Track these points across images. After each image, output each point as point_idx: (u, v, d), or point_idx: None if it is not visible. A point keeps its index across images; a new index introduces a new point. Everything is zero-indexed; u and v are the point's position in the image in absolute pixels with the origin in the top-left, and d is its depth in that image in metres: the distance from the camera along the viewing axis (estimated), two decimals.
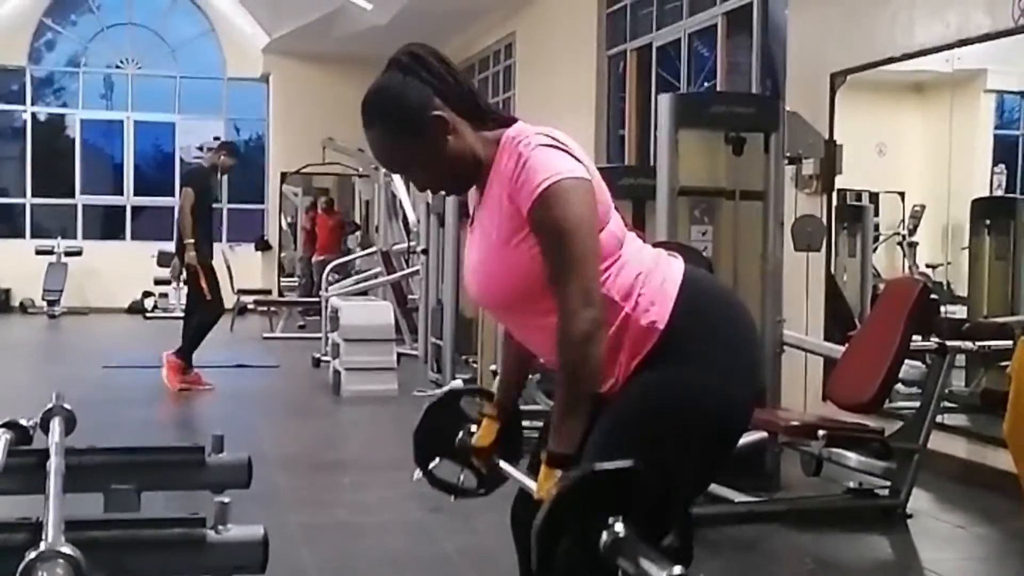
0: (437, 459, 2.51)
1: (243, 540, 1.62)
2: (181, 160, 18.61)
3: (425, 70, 2.12)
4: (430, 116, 2.10)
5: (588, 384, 2.03)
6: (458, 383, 8.13)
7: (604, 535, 1.70)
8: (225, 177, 18.23)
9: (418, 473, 2.51)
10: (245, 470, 2.19)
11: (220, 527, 1.61)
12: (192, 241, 8.53)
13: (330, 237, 15.81)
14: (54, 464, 1.79)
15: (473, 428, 2.46)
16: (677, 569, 1.56)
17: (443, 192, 2.41)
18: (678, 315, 2.11)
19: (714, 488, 4.99)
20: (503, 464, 2.37)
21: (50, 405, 2.20)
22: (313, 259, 15.57)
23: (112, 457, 2.12)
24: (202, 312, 8.75)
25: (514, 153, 2.09)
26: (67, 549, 1.24)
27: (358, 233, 16.44)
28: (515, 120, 2.18)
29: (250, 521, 1.66)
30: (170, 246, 16.69)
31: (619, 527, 1.70)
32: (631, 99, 10.74)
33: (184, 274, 8.87)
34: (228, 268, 14.13)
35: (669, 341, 2.10)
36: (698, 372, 2.12)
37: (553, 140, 2.10)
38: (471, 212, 2.26)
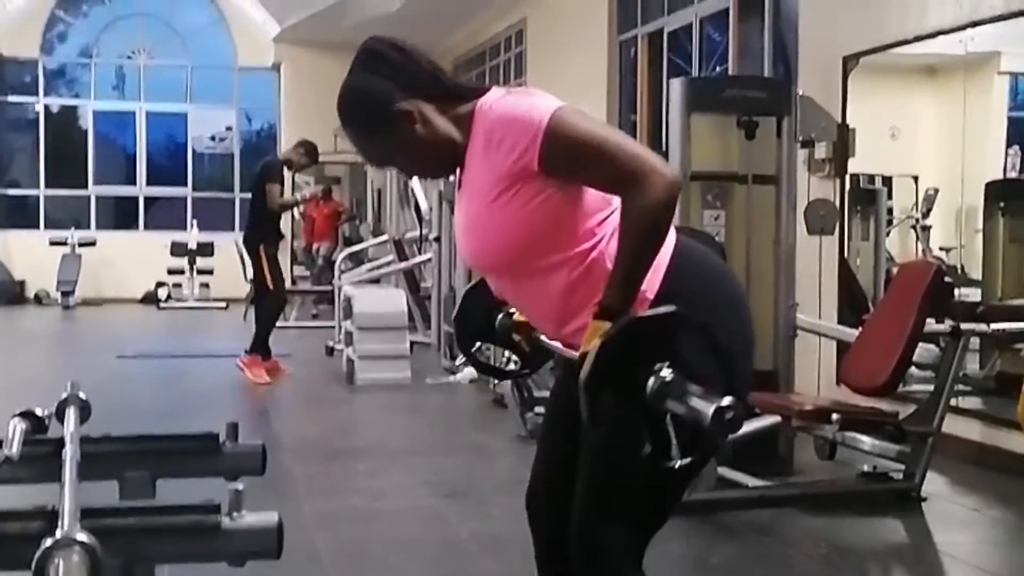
0: (479, 344, 2.53)
1: (258, 526, 1.62)
2: (193, 150, 18.65)
3: (384, 63, 2.14)
4: (395, 110, 2.11)
5: (656, 248, 1.99)
6: (471, 372, 8.15)
7: (651, 381, 1.74)
8: (237, 167, 18.40)
9: (467, 370, 2.53)
10: (259, 457, 2.19)
11: (235, 514, 1.61)
12: (265, 236, 8.67)
13: (325, 225, 15.94)
14: (69, 452, 1.79)
15: (512, 309, 2.44)
16: (726, 400, 1.64)
17: (432, 176, 2.44)
18: (668, 286, 2.07)
19: (728, 473, 5.01)
20: (544, 338, 2.34)
21: (65, 394, 2.20)
22: (313, 247, 15.78)
23: (126, 445, 2.12)
24: (267, 303, 8.79)
25: (487, 118, 2.08)
26: (83, 536, 1.24)
27: (363, 222, 16.48)
28: (488, 89, 2.17)
29: (264, 508, 1.66)
30: (183, 236, 16.89)
31: (666, 372, 1.75)
32: (643, 84, 10.72)
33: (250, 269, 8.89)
34: (241, 258, 14.15)
35: None
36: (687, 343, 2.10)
37: (522, 91, 2.12)
38: (458, 179, 2.26)
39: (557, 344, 2.27)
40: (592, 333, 1.92)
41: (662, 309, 1.79)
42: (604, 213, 2.09)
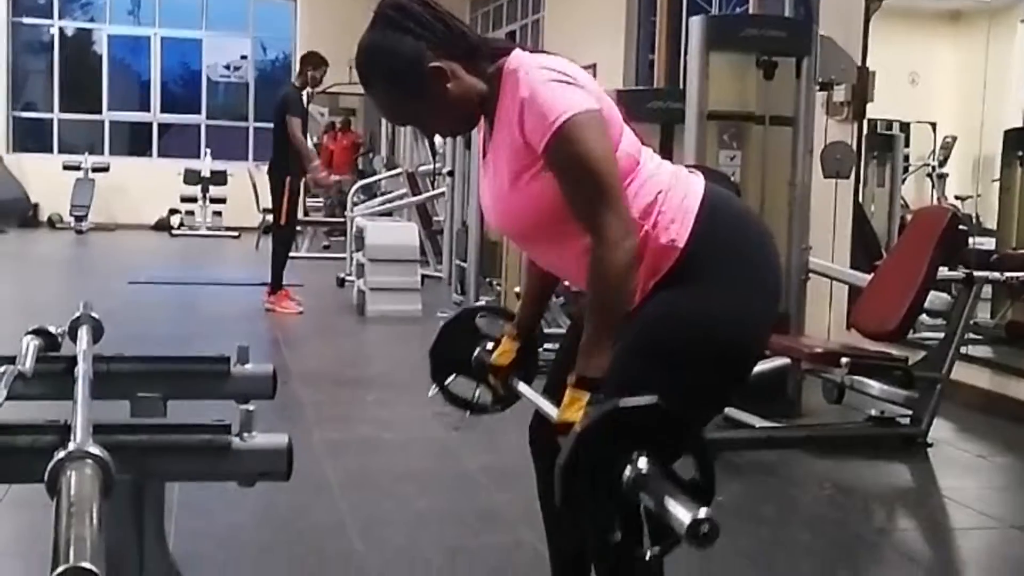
0: (453, 375, 2.52)
1: (268, 447, 1.63)
2: (207, 78, 18.56)
3: (413, 21, 2.07)
4: (427, 68, 2.06)
5: (621, 311, 2.00)
6: (481, 303, 8.16)
7: (627, 471, 1.68)
8: (252, 96, 18.32)
9: (434, 389, 2.53)
10: (270, 381, 2.19)
11: (245, 434, 1.62)
12: (292, 169, 8.66)
13: (342, 156, 15.85)
14: (82, 370, 1.80)
15: (490, 345, 2.46)
16: (703, 512, 1.52)
17: (454, 133, 2.40)
18: (698, 234, 2.07)
19: (736, 413, 5.02)
20: (520, 385, 2.37)
21: (78, 314, 2.21)
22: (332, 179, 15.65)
23: (139, 365, 2.13)
24: (279, 237, 8.79)
25: (516, 87, 2.04)
26: (95, 450, 1.24)
27: (377, 154, 16.43)
28: (511, 48, 2.14)
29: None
30: (196, 164, 16.87)
31: (643, 463, 1.67)
32: (661, 22, 10.63)
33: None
34: (254, 187, 14.16)
35: (689, 260, 2.07)
36: (717, 294, 2.09)
37: (556, 72, 2.04)
38: (481, 145, 2.24)
39: (532, 394, 2.28)
40: (569, 404, 1.95)
41: (643, 399, 1.74)
42: (627, 179, 2.08)
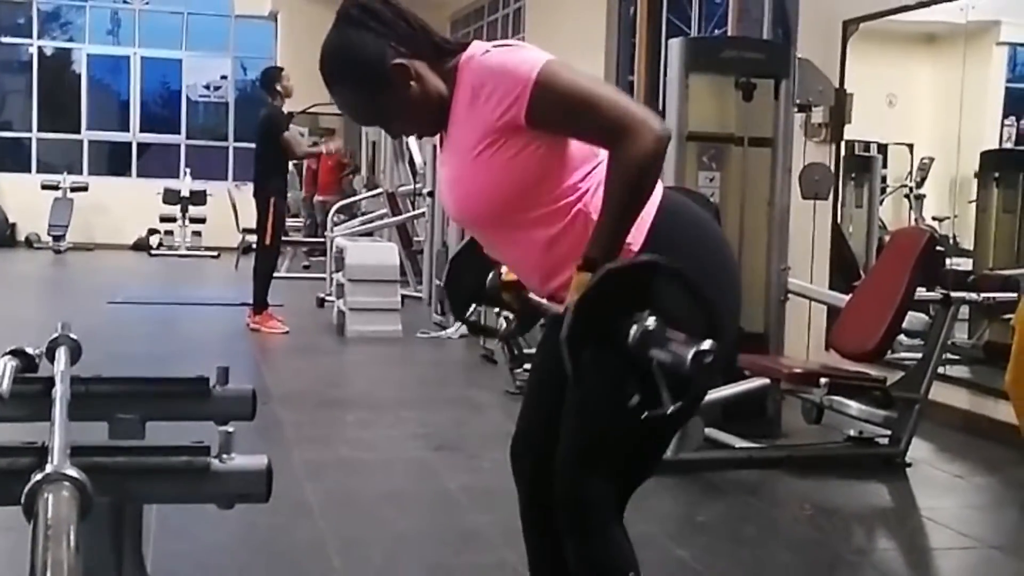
0: (473, 307, 2.52)
1: (247, 469, 1.63)
2: (187, 98, 18.53)
3: (375, 19, 2.08)
4: (390, 66, 2.06)
5: (642, 201, 1.98)
6: (462, 328, 8.16)
7: (633, 329, 1.73)
8: (232, 116, 18.30)
9: (457, 325, 2.53)
10: (249, 402, 2.19)
11: (224, 456, 1.62)
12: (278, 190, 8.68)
13: (329, 177, 15.79)
14: (59, 391, 1.79)
15: (504, 269, 2.43)
16: (705, 343, 1.63)
17: (421, 134, 2.39)
18: (653, 240, 2.05)
19: (715, 433, 5.03)
20: (533, 295, 2.34)
21: (55, 334, 2.20)
22: (315, 199, 15.61)
23: (117, 386, 2.12)
24: (262, 257, 8.76)
25: (472, 71, 2.05)
26: (73, 472, 1.24)
27: (364, 174, 16.39)
28: (469, 44, 2.14)
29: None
30: (176, 183, 16.83)
31: (650, 321, 1.74)
32: (641, 44, 10.67)
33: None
34: (234, 207, 14.12)
35: None
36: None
37: (504, 45, 2.09)
38: (439, 142, 2.23)
39: (544, 301, 2.27)
40: (576, 286, 1.91)
41: (639, 257, 1.78)
42: (589, 166, 2.07)
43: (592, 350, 1.78)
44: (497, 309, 2.55)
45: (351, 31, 2.09)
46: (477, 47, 2.10)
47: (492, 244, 2.27)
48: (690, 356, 1.64)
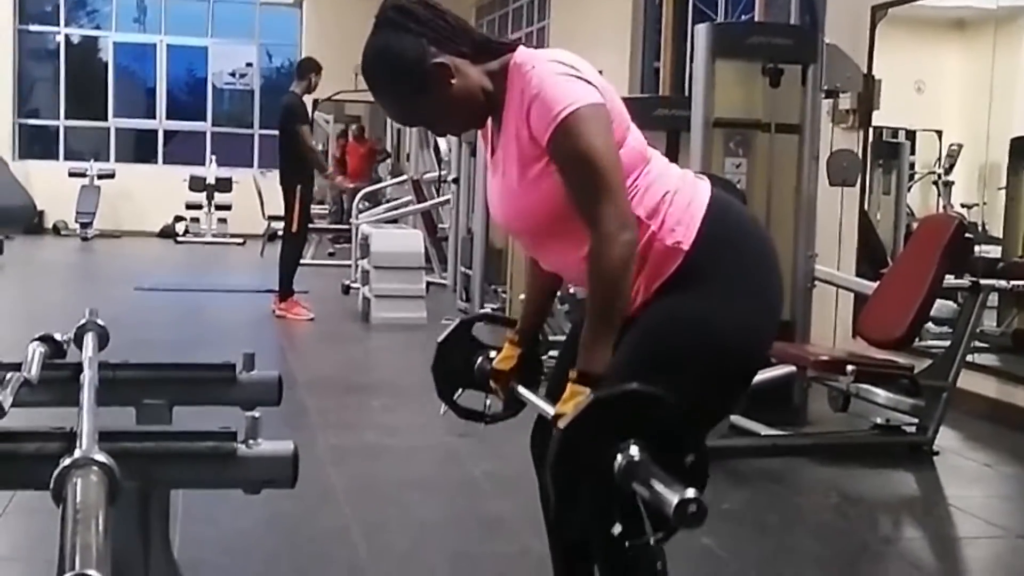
0: (460, 390, 2.51)
1: (273, 454, 1.63)
2: (213, 86, 18.58)
3: (414, 21, 2.08)
4: (430, 66, 2.07)
5: (621, 307, 2.00)
6: (479, 312, 8.17)
7: (619, 458, 1.67)
8: (257, 103, 18.35)
9: (444, 407, 2.52)
10: (275, 388, 2.20)
11: (251, 441, 1.62)
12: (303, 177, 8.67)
13: (361, 164, 15.77)
14: (87, 377, 1.80)
15: (492, 354, 2.45)
16: (690, 492, 1.52)
17: (461, 131, 2.40)
18: (703, 238, 2.08)
19: (741, 421, 5.01)
20: (521, 389, 2.35)
21: (83, 320, 2.21)
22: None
23: (144, 372, 2.13)
24: (289, 245, 8.79)
25: (523, 81, 2.06)
26: (101, 457, 1.24)
27: (389, 161, 16.40)
28: (516, 45, 2.15)
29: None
30: (202, 171, 16.88)
31: (634, 450, 1.67)
32: (667, 30, 10.63)
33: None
34: (259, 194, 14.16)
35: (692, 264, 2.08)
36: (719, 301, 2.09)
37: (563, 65, 2.06)
38: (489, 142, 2.24)
39: (532, 396, 2.28)
40: (568, 398, 1.95)
41: (627, 387, 1.74)
42: (634, 175, 2.09)
43: (578, 478, 1.72)
44: (485, 393, 2.51)
45: (390, 34, 2.10)
46: (530, 56, 2.10)
47: (538, 250, 2.32)
48: (674, 505, 1.52)
